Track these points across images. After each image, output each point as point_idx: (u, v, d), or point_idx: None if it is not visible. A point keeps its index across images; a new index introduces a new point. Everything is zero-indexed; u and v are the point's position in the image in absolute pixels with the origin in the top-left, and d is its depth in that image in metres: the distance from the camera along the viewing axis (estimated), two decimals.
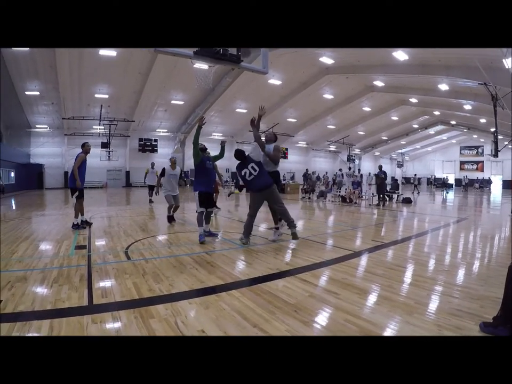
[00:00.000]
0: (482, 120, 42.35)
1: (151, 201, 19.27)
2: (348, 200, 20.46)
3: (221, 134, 49.08)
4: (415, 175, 44.43)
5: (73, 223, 10.06)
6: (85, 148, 10.01)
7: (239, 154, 7.99)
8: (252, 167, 7.69)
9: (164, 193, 11.42)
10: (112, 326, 3.57)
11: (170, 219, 11.23)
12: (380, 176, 19.56)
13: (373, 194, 21.15)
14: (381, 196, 19.11)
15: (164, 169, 11.72)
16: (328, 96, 41.16)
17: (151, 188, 19.58)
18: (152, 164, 20.50)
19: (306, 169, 30.94)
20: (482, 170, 64.46)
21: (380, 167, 20.69)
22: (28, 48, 23.83)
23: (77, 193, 9.91)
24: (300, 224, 11.50)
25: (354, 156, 63.30)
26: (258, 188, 7.67)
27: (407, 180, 69.03)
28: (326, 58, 29.97)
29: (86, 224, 10.22)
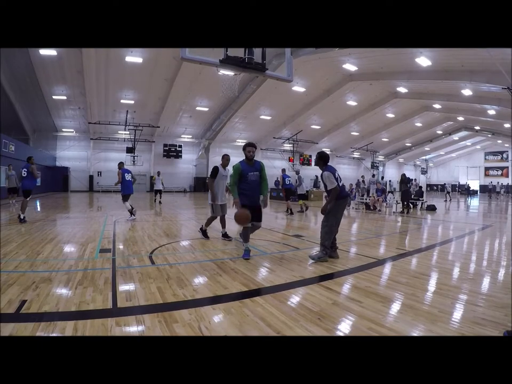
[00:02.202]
0: (507, 125, 42.07)
1: (160, 202, 22.92)
2: (371, 208, 20.26)
3: (245, 141, 49.12)
4: (445, 184, 44.08)
5: (20, 217, 11.85)
6: (30, 161, 12.47)
7: (327, 157, 7.39)
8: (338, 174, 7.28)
9: (210, 201, 9.09)
10: (136, 329, 3.58)
11: (205, 234, 9.29)
12: (405, 182, 19.38)
13: (396, 201, 20.93)
14: (405, 203, 18.91)
15: (216, 169, 9.04)
16: (351, 102, 41.08)
17: (158, 192, 23.66)
18: (158, 173, 23.76)
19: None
20: (507, 176, 63.56)
21: (403, 175, 20.37)
22: (56, 53, 24.36)
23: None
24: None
25: (378, 163, 62.91)
26: (347, 194, 7.43)
27: (431, 187, 68.55)
28: (350, 65, 30.00)
29: (22, 221, 11.76)
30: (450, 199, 33.67)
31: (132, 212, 13.21)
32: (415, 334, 3.58)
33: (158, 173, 23.95)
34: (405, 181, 19.52)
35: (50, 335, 3.39)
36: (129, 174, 13.81)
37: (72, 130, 40.45)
